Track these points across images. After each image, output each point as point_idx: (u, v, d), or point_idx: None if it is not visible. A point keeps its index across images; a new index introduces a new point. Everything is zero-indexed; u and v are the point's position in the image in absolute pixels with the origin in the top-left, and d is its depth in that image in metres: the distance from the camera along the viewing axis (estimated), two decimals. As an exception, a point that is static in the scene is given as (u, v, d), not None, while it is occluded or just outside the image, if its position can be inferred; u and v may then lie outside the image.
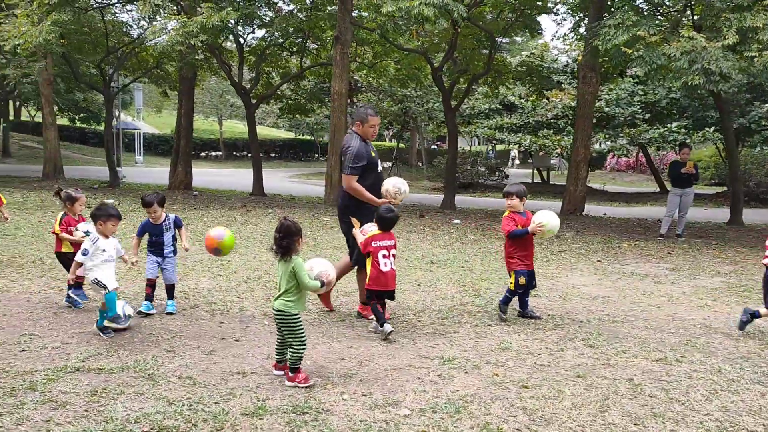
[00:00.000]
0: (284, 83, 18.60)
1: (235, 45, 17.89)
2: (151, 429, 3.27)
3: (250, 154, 46.98)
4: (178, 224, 5.69)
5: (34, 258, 7.74)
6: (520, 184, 5.91)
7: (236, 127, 55.63)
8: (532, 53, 21.55)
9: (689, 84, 9.11)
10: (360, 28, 12.62)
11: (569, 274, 7.96)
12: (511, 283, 5.66)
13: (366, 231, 5.35)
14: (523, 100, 27.42)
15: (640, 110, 25.45)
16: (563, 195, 15.46)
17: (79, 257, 4.93)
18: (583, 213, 14.94)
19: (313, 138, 49.75)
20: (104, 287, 4.84)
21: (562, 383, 4.16)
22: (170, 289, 5.64)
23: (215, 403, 3.65)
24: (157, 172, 28.49)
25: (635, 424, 3.58)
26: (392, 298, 5.35)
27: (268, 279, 7.07)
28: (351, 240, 5.70)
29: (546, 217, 5.54)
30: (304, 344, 4.06)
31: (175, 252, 5.67)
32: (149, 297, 5.51)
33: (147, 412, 3.45)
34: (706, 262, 9.04)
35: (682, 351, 4.91)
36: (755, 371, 4.49)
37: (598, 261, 8.97)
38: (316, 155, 48.86)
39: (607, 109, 25.31)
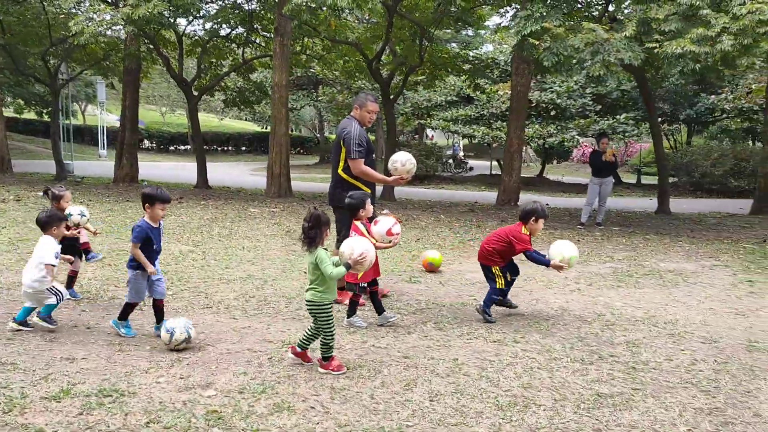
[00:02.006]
0: (225, 75, 18.55)
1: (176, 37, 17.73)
2: (-63, 412, 3.32)
3: (219, 148, 47.49)
4: None
5: (-72, 250, 7.70)
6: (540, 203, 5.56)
7: (208, 121, 54.97)
8: (465, 46, 21.53)
9: (591, 74, 9.29)
10: (289, 19, 12.62)
11: (464, 261, 8.10)
12: (500, 280, 5.42)
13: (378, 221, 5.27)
14: (478, 92, 27.53)
15: (591, 102, 25.76)
16: (499, 186, 15.62)
17: (54, 260, 4.76)
18: (518, 203, 15.12)
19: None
20: (59, 294, 4.84)
21: (386, 364, 4.28)
22: (162, 308, 4.88)
23: (22, 387, 3.70)
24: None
25: (431, 400, 3.70)
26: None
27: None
28: (341, 228, 5.76)
29: (568, 251, 5.28)
30: (333, 334, 4.13)
31: None
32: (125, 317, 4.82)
33: (-57, 397, 3.50)
34: (608, 249, 9.24)
35: (523, 332, 5.06)
36: (584, 350, 4.65)
37: (503, 249, 9.12)
38: (286, 148, 48.52)
39: (558, 101, 25.58)
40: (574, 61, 9.53)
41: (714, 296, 6.42)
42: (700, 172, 22.74)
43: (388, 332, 5.01)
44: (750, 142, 30.34)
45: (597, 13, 12.64)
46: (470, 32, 40.73)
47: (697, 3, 8.94)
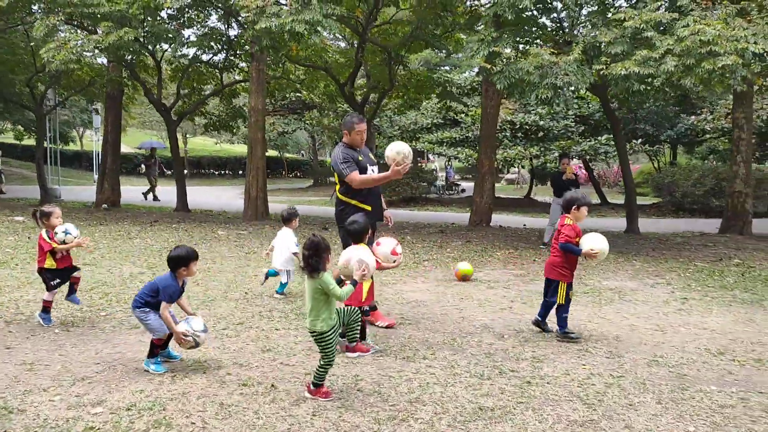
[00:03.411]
0: (204, 100, 18.83)
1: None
2: None
3: (216, 172, 47.73)
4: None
5: None
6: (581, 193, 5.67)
7: (207, 146, 55.16)
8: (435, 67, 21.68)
9: (540, 97, 9.47)
10: (254, 44, 12.89)
11: (409, 281, 8.19)
12: (561, 295, 5.44)
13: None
14: (463, 115, 27.85)
15: (574, 123, 25.99)
16: (471, 207, 15.74)
17: (296, 249, 6.60)
18: (489, 224, 15.23)
19: (279, 155, 49.56)
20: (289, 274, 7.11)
21: (285, 381, 4.36)
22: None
23: None
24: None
25: (314, 415, 3.78)
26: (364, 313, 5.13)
27: (100, 290, 7.19)
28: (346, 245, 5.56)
29: (598, 243, 5.39)
30: (332, 363, 4.10)
31: None
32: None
33: None
34: (560, 268, 9.32)
35: (435, 349, 5.13)
36: (486, 366, 4.73)
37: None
38: (283, 172, 48.67)
39: (542, 123, 25.83)
40: (525, 84, 9.68)
41: (641, 313, 6.51)
42: (681, 192, 22.82)
43: (302, 350, 5.10)
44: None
45: (561, 38, 12.88)
46: (460, 55, 41.39)
47: (642, 26, 9.13)
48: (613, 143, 24.59)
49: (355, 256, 4.33)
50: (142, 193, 23.51)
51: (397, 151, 5.65)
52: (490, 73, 10.05)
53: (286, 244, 6.91)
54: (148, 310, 4.61)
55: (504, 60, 9.80)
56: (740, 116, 13.87)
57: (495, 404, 3.98)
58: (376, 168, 6.11)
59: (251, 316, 6.22)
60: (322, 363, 4.10)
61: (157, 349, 4.66)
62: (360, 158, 5.97)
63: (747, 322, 6.21)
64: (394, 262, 5.09)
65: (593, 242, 5.38)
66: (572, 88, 9.57)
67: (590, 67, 9.75)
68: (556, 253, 5.52)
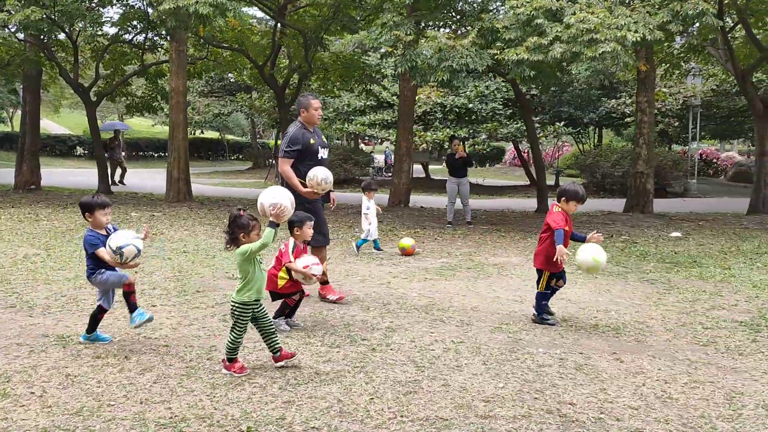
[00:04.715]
0: (124, 81, 18.55)
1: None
2: None
3: (155, 154, 46.63)
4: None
5: None
6: (578, 185, 5.56)
7: (145, 126, 53.58)
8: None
9: (438, 80, 9.81)
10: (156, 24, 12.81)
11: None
12: (542, 284, 5.44)
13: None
14: (395, 97, 28.10)
15: (502, 107, 26.61)
16: (390, 188, 16.07)
17: (367, 210, 9.19)
18: (408, 204, 15.59)
19: (220, 136, 48.79)
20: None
21: (141, 353, 4.55)
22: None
23: None
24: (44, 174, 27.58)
25: (155, 383, 3.99)
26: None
27: (-15, 272, 7.20)
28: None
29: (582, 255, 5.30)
30: (241, 338, 4.17)
31: None
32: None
33: None
34: (456, 245, 9.73)
35: (298, 321, 5.39)
36: (341, 336, 5.01)
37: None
38: (224, 154, 47.93)
39: (470, 106, 26.35)
40: (425, 68, 9.99)
41: (510, 286, 6.92)
42: (601, 173, 23.74)
43: (171, 326, 5.28)
44: (666, 146, 31.75)
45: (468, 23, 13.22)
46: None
47: (533, 13, 9.53)
48: (537, 125, 25.43)
49: (267, 199, 4.37)
50: (118, 181, 22.60)
51: (322, 177, 5.79)
52: (393, 56, 10.31)
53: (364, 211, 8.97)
54: (102, 270, 4.70)
55: (404, 44, 10.06)
56: (643, 100, 14.55)
57: (332, 369, 4.27)
58: (327, 151, 6.25)
59: (133, 294, 6.35)
60: (231, 337, 4.18)
61: (132, 295, 4.74)
62: (312, 141, 6.08)
63: (603, 293, 6.71)
64: (302, 274, 5.05)
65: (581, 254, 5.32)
66: (471, 69, 9.86)
67: (487, 51, 10.11)
68: (541, 243, 5.51)
